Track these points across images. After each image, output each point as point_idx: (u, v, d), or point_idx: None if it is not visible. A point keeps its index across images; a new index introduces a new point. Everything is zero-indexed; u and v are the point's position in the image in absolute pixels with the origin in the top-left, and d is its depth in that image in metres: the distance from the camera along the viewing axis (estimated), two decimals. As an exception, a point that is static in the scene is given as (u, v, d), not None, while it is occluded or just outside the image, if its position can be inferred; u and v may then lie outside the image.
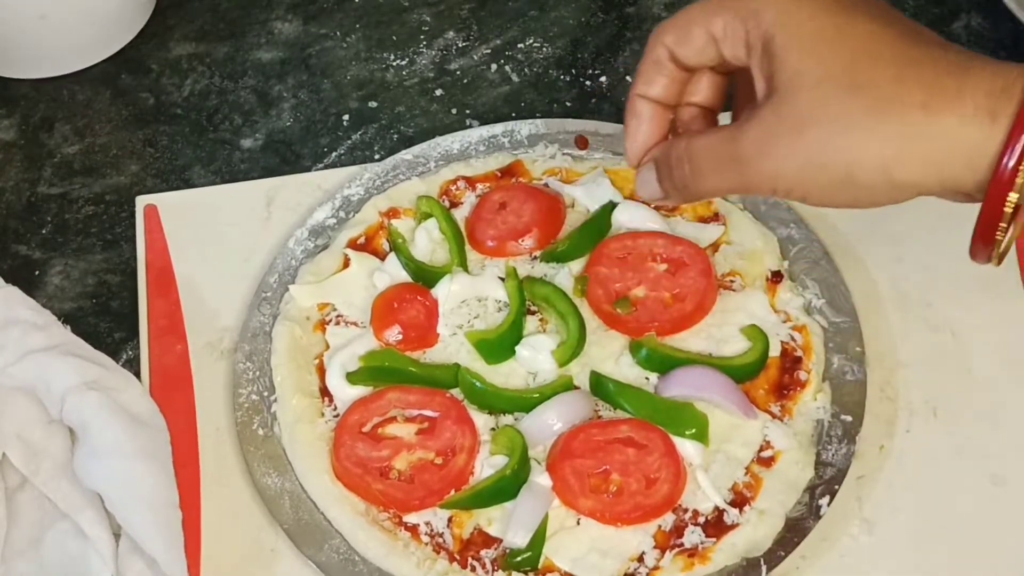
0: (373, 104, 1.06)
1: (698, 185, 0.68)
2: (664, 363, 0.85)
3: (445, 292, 0.89)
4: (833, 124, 0.62)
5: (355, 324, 0.89)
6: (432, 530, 0.80)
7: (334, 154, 1.03)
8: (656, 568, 0.78)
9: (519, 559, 0.78)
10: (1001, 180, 0.61)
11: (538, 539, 0.78)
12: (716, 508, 0.80)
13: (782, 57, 0.64)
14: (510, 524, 0.79)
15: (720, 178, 0.67)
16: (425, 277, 0.90)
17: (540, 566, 0.78)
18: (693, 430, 0.82)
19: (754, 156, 0.64)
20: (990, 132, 0.60)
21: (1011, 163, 0.60)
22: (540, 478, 0.80)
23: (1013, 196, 0.61)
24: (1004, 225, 0.62)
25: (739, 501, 0.80)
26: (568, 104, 1.05)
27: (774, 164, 0.64)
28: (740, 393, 0.84)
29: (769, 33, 0.65)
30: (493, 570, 0.78)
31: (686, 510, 0.80)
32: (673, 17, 0.70)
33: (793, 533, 0.79)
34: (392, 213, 0.94)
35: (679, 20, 0.69)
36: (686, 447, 0.82)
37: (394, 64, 1.08)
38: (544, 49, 1.09)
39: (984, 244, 0.63)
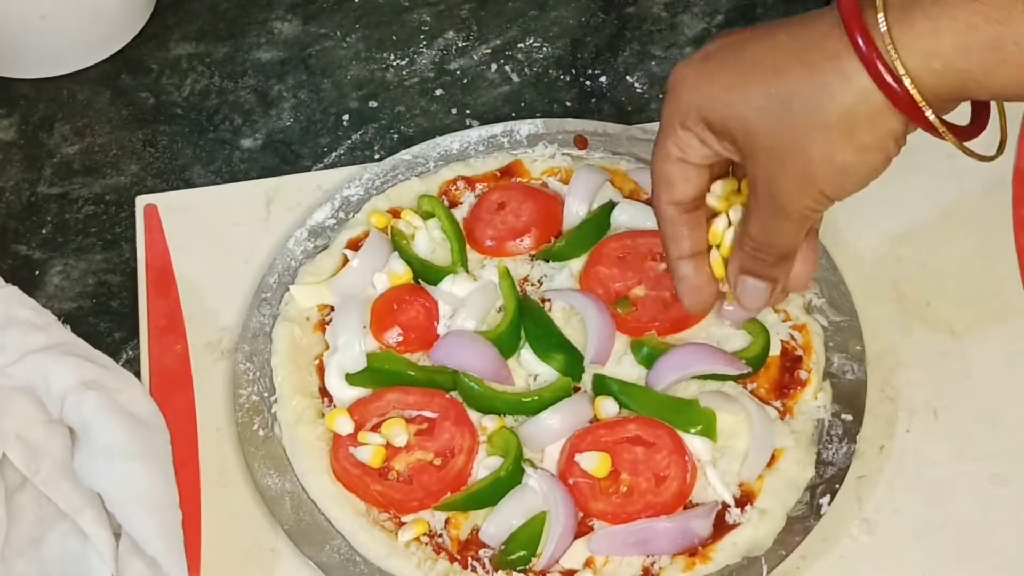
0: (373, 104, 1.06)
1: (783, 242, 0.71)
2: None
3: (446, 293, 0.89)
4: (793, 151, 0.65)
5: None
6: (431, 531, 0.80)
7: (334, 154, 1.03)
8: (658, 569, 0.78)
9: (512, 558, 0.78)
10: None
11: (532, 540, 0.79)
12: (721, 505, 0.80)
13: (729, 128, 0.67)
14: (489, 521, 0.79)
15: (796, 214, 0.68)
16: (428, 276, 0.90)
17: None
18: (700, 426, 0.82)
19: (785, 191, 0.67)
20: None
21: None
22: (532, 481, 0.80)
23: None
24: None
25: (741, 500, 0.80)
26: (568, 104, 1.05)
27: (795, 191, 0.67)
28: (721, 352, 0.84)
29: (709, 121, 0.67)
30: (494, 570, 0.78)
31: (696, 506, 0.80)
32: (652, 173, 0.72)
33: (794, 532, 0.79)
34: (392, 214, 0.94)
35: (656, 176, 0.71)
36: (694, 443, 0.82)
37: (394, 64, 1.08)
38: (544, 49, 1.09)
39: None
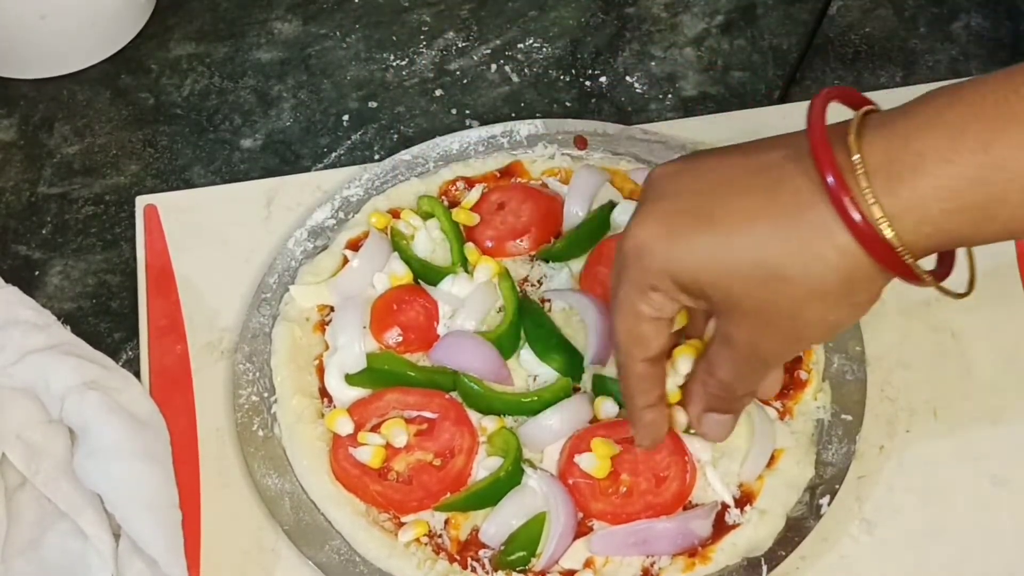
0: (373, 104, 1.06)
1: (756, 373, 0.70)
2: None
3: (446, 293, 0.89)
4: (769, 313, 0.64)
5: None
6: (431, 531, 0.80)
7: (334, 154, 1.03)
8: (658, 570, 0.78)
9: (512, 558, 0.78)
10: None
11: (532, 540, 0.79)
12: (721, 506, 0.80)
13: (699, 282, 0.65)
14: (489, 522, 0.79)
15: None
16: (428, 276, 0.90)
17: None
18: None
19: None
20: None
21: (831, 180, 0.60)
22: (532, 481, 0.80)
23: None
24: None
25: (741, 500, 0.80)
26: (568, 104, 1.05)
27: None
28: None
29: (682, 283, 0.65)
30: (493, 571, 0.78)
31: (696, 507, 0.80)
32: (621, 333, 0.70)
33: (793, 533, 0.79)
34: (392, 214, 0.94)
35: (628, 337, 0.70)
36: (694, 443, 0.82)
37: (394, 64, 1.08)
38: (544, 49, 1.09)
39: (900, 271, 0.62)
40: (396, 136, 1.03)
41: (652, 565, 0.78)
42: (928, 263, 0.64)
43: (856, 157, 0.60)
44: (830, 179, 0.60)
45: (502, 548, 0.79)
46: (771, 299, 0.63)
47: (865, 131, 0.61)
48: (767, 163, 0.64)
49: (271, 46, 1.10)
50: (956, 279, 0.65)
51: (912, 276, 0.62)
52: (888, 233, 0.59)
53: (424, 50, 1.09)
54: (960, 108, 0.59)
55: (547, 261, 0.92)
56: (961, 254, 0.66)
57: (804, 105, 0.64)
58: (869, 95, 0.65)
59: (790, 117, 0.98)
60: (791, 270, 0.62)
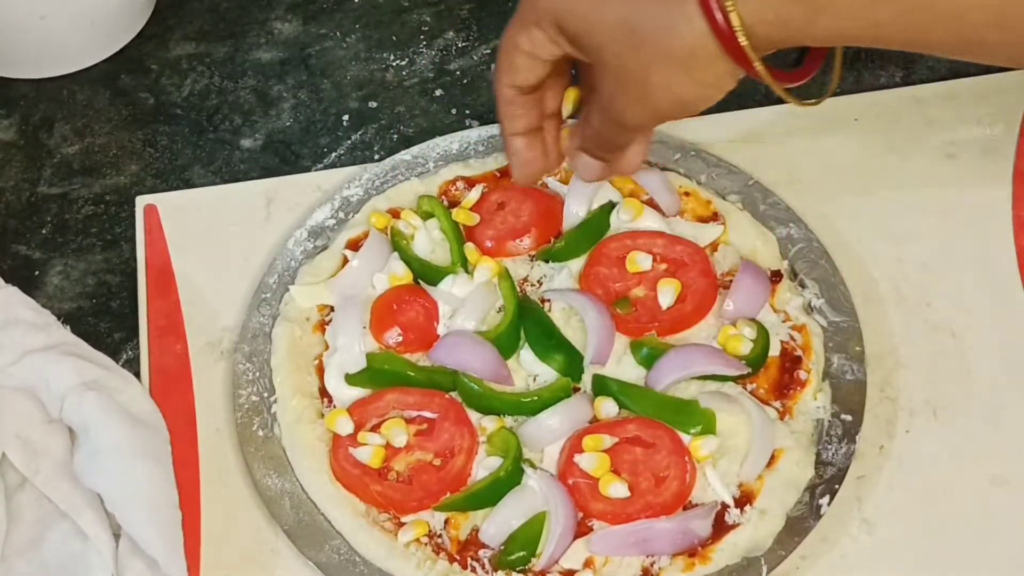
0: (373, 104, 1.06)
1: (621, 126, 0.75)
2: (665, 363, 0.86)
3: (446, 293, 0.89)
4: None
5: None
6: (431, 531, 0.80)
7: (334, 154, 1.03)
8: (657, 570, 0.78)
9: (512, 558, 0.78)
10: None
11: (532, 540, 0.79)
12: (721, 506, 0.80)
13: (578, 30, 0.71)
14: (489, 522, 0.80)
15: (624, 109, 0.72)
16: (428, 276, 0.90)
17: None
18: (699, 427, 0.82)
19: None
20: None
21: None
22: (532, 481, 0.80)
23: None
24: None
25: (741, 500, 0.80)
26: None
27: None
28: (721, 353, 0.85)
29: (563, 28, 0.71)
30: (493, 570, 0.78)
31: (696, 506, 0.80)
32: (498, 59, 0.76)
33: (793, 533, 0.79)
34: (392, 214, 0.94)
35: (502, 61, 0.76)
36: (694, 443, 0.82)
37: (394, 64, 1.08)
38: (544, 49, 1.08)
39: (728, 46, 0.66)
40: (396, 136, 1.03)
41: (652, 565, 0.78)
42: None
43: None
44: None
45: (502, 548, 0.79)
46: (627, 57, 0.69)
47: None
48: None
49: (271, 46, 1.10)
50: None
51: (747, 63, 0.66)
52: (731, 12, 0.64)
53: (424, 50, 1.09)
54: None
55: (547, 261, 0.92)
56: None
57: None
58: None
59: (790, 117, 0.98)
60: (646, 31, 0.67)
